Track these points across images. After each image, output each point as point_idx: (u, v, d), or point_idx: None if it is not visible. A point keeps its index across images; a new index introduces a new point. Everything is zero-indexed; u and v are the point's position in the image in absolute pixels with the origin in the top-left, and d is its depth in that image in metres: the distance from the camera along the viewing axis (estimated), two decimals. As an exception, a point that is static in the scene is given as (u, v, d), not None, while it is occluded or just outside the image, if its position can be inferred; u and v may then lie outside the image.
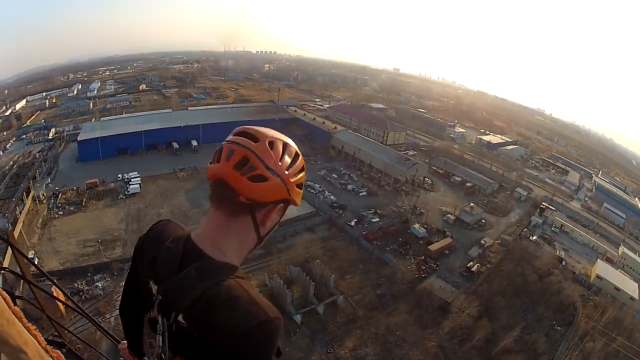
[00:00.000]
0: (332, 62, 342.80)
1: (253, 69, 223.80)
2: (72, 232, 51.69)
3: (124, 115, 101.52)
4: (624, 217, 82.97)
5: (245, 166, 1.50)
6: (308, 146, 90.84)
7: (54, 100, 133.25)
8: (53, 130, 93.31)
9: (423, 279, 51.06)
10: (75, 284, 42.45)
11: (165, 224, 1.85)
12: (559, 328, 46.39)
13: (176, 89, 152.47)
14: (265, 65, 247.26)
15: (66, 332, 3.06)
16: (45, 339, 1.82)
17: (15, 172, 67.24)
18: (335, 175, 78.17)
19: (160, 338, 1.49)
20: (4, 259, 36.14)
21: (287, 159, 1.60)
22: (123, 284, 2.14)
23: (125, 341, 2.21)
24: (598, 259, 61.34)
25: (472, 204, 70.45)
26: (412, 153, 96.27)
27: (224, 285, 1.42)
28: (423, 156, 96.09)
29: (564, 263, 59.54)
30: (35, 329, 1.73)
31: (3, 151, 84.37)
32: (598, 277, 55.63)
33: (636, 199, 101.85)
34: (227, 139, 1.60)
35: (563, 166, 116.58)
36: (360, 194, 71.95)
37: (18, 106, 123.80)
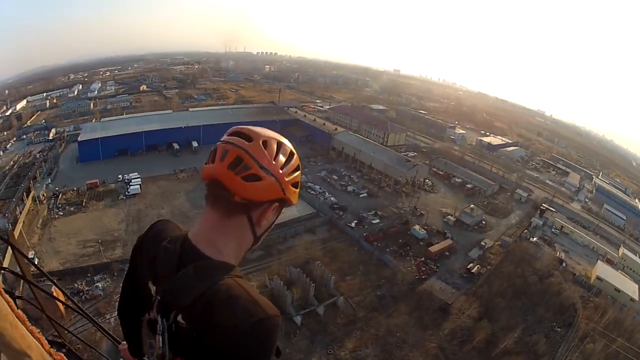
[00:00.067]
0: (332, 64, 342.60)
1: (254, 70, 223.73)
2: (72, 233, 51.69)
3: (124, 116, 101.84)
4: (624, 218, 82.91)
5: (239, 166, 1.50)
6: (308, 147, 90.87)
7: (54, 101, 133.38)
8: (53, 130, 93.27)
9: (423, 281, 50.99)
10: (75, 285, 42.45)
11: (164, 224, 1.85)
12: (559, 329, 46.33)
13: (177, 90, 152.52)
14: (266, 66, 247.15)
15: (66, 332, 3.06)
16: (45, 339, 1.82)
17: (16, 172, 67.24)
18: (336, 177, 78.13)
19: (160, 339, 1.48)
20: (4, 259, 36.15)
21: (282, 158, 1.60)
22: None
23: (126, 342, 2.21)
24: (598, 260, 61.27)
25: (472, 205, 70.35)
26: (412, 154, 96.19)
27: (222, 285, 1.42)
28: (423, 157, 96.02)
29: (564, 264, 59.46)
30: (39, 332, 1.72)
31: (3, 151, 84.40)
32: (598, 278, 55.58)
33: (636, 200, 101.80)
34: (222, 139, 1.60)
35: (563, 167, 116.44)
36: (361, 196, 71.89)
37: (19, 106, 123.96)
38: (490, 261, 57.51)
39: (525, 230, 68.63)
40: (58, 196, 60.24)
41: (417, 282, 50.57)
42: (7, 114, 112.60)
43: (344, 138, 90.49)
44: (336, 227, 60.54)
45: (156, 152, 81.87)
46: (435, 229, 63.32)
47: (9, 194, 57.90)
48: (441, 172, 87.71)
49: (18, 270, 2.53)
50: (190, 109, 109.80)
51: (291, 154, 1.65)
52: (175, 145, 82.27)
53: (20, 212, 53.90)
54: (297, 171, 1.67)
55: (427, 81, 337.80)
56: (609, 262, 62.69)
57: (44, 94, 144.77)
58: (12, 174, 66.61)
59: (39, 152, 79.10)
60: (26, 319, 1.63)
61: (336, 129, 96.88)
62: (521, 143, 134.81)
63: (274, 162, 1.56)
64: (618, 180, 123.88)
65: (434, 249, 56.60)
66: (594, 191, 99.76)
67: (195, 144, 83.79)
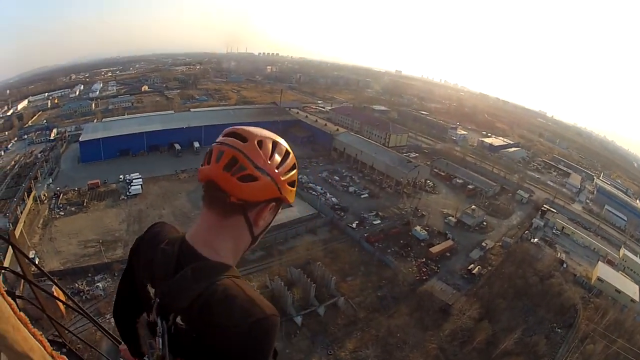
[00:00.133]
0: (334, 64, 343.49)
1: (255, 70, 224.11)
2: (73, 233, 51.71)
3: (126, 116, 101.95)
4: (625, 219, 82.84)
5: (234, 167, 1.51)
6: (310, 148, 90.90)
7: (56, 101, 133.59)
8: (55, 130, 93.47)
9: (424, 281, 50.95)
10: (76, 284, 42.46)
11: (161, 227, 1.86)
12: (559, 330, 46.26)
13: (178, 91, 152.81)
14: (268, 67, 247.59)
15: (67, 332, 3.07)
16: (46, 339, 1.82)
17: (17, 172, 67.31)
18: (337, 177, 78.11)
19: (160, 340, 1.50)
20: (4, 259, 36.20)
21: (277, 158, 1.60)
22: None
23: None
24: (599, 261, 61.17)
25: (473, 206, 70.28)
26: (414, 155, 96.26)
27: (220, 285, 1.42)
28: (425, 158, 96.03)
29: (565, 265, 59.40)
30: (41, 335, 1.73)
31: (5, 151, 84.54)
32: (599, 279, 55.51)
33: (637, 201, 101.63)
34: (217, 140, 1.61)
35: (565, 168, 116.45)
36: (362, 196, 71.86)
37: (20, 106, 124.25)
38: (491, 262, 57.45)
39: (527, 231, 68.54)
40: (59, 196, 60.26)
41: (417, 282, 50.55)
42: (9, 113, 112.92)
43: (346, 139, 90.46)
44: (337, 227, 60.50)
45: (158, 153, 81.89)
46: (436, 230, 63.28)
47: (10, 193, 57.94)
48: (442, 173, 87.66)
49: (19, 269, 2.53)
50: (191, 110, 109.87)
51: (287, 153, 1.65)
52: (177, 146, 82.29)
53: (21, 212, 53.95)
54: (293, 170, 1.67)
55: (428, 82, 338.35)
56: (610, 263, 62.61)
57: (46, 94, 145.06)
58: (14, 174, 66.68)
59: (40, 152, 79.19)
60: (28, 321, 1.63)
61: (338, 129, 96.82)
62: (522, 144, 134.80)
63: (269, 162, 1.56)
64: (619, 181, 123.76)
65: (435, 249, 56.56)
66: (595, 192, 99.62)
67: (196, 144, 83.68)
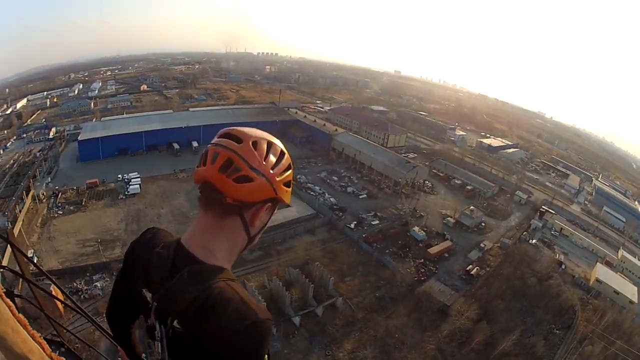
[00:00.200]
0: (333, 65, 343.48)
1: (254, 70, 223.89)
2: (72, 232, 51.69)
3: (124, 115, 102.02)
4: (624, 220, 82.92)
5: (229, 168, 1.52)
6: (308, 148, 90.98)
7: (54, 100, 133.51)
8: (54, 129, 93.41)
9: (422, 282, 50.99)
10: (74, 284, 42.49)
11: (156, 231, 1.86)
12: (557, 331, 46.32)
13: (177, 90, 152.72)
14: (267, 67, 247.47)
15: (65, 331, 3.06)
16: (44, 338, 1.82)
17: (16, 171, 67.24)
18: (336, 178, 78.13)
19: (159, 345, 1.51)
20: (3, 257, 36.18)
21: (272, 158, 1.61)
22: None
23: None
24: (597, 263, 61.32)
25: (472, 207, 70.37)
26: (412, 156, 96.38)
27: (215, 288, 1.43)
28: (423, 159, 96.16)
29: (563, 266, 59.49)
30: (40, 336, 1.73)
31: (3, 150, 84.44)
32: (597, 280, 55.61)
33: (636, 202, 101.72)
34: (212, 141, 1.61)
35: (563, 169, 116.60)
36: (361, 197, 71.89)
37: (19, 105, 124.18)
38: (489, 263, 57.51)
39: (525, 232, 68.60)
40: (58, 195, 60.25)
41: (416, 283, 50.59)
42: (8, 112, 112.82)
43: (344, 139, 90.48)
44: (336, 228, 60.51)
45: (156, 152, 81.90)
46: (434, 231, 63.32)
47: (9, 192, 57.87)
48: (441, 174, 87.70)
49: (17, 268, 2.53)
50: (190, 109, 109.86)
51: (282, 154, 1.66)
52: (176, 145, 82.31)
53: (20, 211, 53.90)
54: (288, 170, 1.68)
55: (427, 82, 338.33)
56: (608, 264, 62.71)
57: (45, 92, 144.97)
58: (12, 173, 66.62)
59: (39, 151, 79.13)
60: (27, 323, 1.63)
61: (336, 130, 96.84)
62: (521, 145, 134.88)
63: (264, 163, 1.57)
64: (618, 182, 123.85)
65: (433, 250, 56.59)
66: (593, 193, 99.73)
67: (195, 144, 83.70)
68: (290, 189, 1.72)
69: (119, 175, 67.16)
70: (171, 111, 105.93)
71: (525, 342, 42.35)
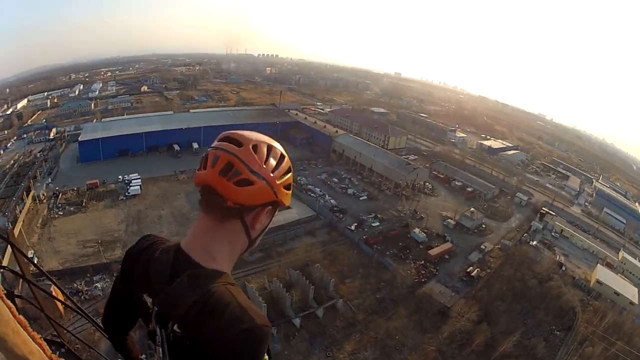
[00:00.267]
0: (333, 66, 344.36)
1: (255, 72, 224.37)
2: (72, 233, 51.67)
3: (125, 116, 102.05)
4: (624, 222, 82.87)
5: (230, 171, 1.52)
6: (309, 150, 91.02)
7: (55, 100, 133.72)
8: (54, 130, 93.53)
9: (423, 284, 50.95)
10: (75, 284, 42.46)
11: (153, 238, 1.87)
12: (558, 333, 46.25)
13: (178, 91, 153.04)
14: (267, 68, 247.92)
15: (65, 332, 3.06)
16: (44, 339, 1.82)
17: (16, 172, 67.29)
18: (336, 179, 78.13)
19: (160, 350, 1.51)
20: (3, 258, 36.19)
21: (272, 162, 1.61)
22: None
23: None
24: (598, 264, 61.21)
25: (472, 208, 70.33)
26: (413, 157, 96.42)
27: (214, 293, 1.43)
28: (424, 161, 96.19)
29: (563, 268, 59.41)
30: (40, 338, 1.73)
31: (4, 150, 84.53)
32: (598, 282, 55.55)
33: (636, 204, 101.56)
34: (213, 145, 1.62)
35: (564, 171, 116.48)
36: (361, 198, 71.89)
37: (19, 105, 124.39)
38: (490, 265, 57.46)
39: (525, 234, 68.55)
40: (58, 196, 60.27)
41: (416, 285, 50.54)
42: (8, 112, 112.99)
43: (345, 141, 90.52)
44: (336, 229, 60.48)
45: (157, 153, 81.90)
46: (435, 232, 63.28)
47: (9, 193, 57.93)
48: (441, 176, 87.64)
49: (18, 269, 2.53)
50: (191, 111, 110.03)
51: (282, 157, 1.66)
52: (176, 147, 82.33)
53: (20, 211, 53.92)
54: (288, 173, 1.68)
55: (428, 84, 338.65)
56: (609, 265, 62.64)
57: (45, 93, 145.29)
58: (13, 173, 66.68)
59: (39, 152, 79.19)
60: (27, 325, 1.63)
61: (337, 131, 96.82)
62: (522, 147, 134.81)
63: (264, 166, 1.58)
64: (618, 184, 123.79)
65: (433, 252, 56.55)
66: (594, 195, 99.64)
67: (195, 145, 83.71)
68: (290, 192, 1.72)
69: (120, 176, 67.18)
70: (172, 112, 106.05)
71: (526, 344, 42.28)
